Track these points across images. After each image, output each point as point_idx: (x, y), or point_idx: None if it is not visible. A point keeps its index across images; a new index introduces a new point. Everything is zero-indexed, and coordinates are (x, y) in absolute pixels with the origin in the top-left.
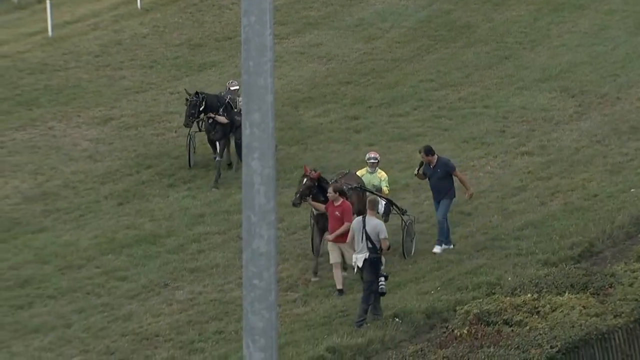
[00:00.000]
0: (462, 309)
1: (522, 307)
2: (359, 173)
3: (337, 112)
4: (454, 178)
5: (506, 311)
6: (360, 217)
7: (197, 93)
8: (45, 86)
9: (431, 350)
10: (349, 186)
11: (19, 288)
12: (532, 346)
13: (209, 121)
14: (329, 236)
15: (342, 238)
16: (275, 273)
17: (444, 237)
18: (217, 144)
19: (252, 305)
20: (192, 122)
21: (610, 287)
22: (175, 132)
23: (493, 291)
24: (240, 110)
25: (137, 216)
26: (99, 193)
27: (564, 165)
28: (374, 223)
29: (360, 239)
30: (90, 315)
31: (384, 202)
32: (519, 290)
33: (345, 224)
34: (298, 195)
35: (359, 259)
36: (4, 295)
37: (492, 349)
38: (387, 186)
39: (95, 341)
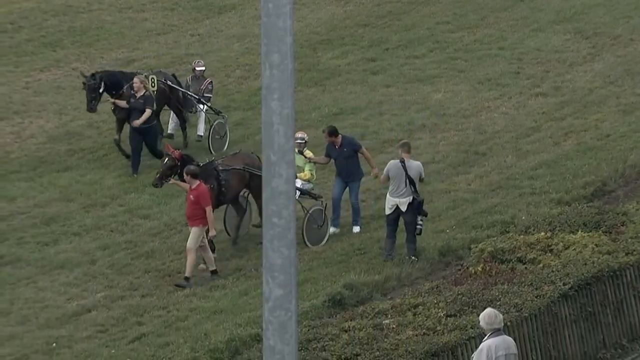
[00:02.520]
0: (476, 247)
1: (535, 245)
2: None
3: (355, 54)
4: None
5: (520, 249)
6: (398, 162)
7: (93, 75)
8: (69, 28)
9: (446, 287)
10: (228, 167)
11: (44, 225)
12: (545, 283)
13: (112, 107)
14: (213, 232)
15: (195, 221)
16: (293, 211)
17: (358, 216)
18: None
19: (272, 243)
20: (95, 106)
21: (622, 225)
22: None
23: (507, 230)
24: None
25: (229, 132)
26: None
27: (578, 106)
28: (414, 165)
29: (404, 183)
30: (114, 252)
31: (298, 185)
32: (532, 228)
33: (207, 211)
34: (158, 175)
35: (402, 203)
36: (30, 232)
37: (505, 286)
38: (310, 170)
39: (119, 277)
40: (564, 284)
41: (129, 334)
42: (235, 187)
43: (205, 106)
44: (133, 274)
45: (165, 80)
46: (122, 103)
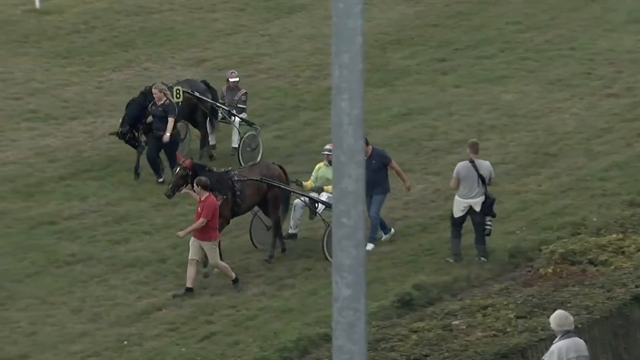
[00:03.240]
0: (547, 248)
1: (607, 247)
2: (318, 165)
3: (424, 54)
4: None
5: (591, 251)
6: (467, 163)
7: (122, 123)
8: (140, 28)
9: (516, 289)
10: (243, 178)
11: (116, 224)
12: (617, 285)
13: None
14: (179, 232)
15: (203, 235)
16: (362, 211)
17: (375, 233)
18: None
19: (340, 243)
20: (140, 141)
21: None
22: (267, 73)
23: (578, 231)
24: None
25: (227, 155)
26: (191, 133)
27: None
28: (485, 165)
29: (476, 183)
30: (184, 251)
31: (324, 198)
32: (603, 230)
33: (200, 220)
34: (171, 186)
35: (475, 203)
36: (101, 230)
37: (576, 288)
38: None
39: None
40: (636, 286)
41: (199, 332)
42: (251, 198)
43: (238, 117)
44: (202, 273)
45: (192, 90)
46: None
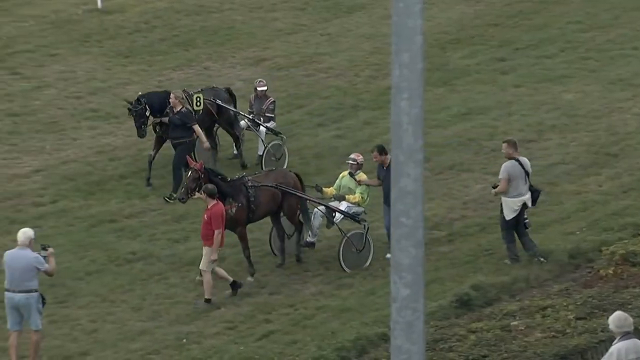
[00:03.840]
0: (607, 249)
1: None
2: (342, 174)
3: (484, 53)
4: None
5: None
6: (513, 162)
7: (138, 100)
8: (201, 27)
9: (576, 290)
10: (257, 184)
11: (175, 222)
12: None
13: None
14: (212, 257)
15: (210, 241)
16: (422, 211)
17: None
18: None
19: (400, 243)
20: (145, 131)
21: None
22: (326, 72)
23: (639, 232)
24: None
25: (287, 154)
26: (250, 132)
27: None
28: (527, 161)
29: (523, 180)
30: (242, 250)
31: (343, 207)
32: None
33: (215, 233)
34: (184, 189)
35: (527, 199)
36: (161, 229)
37: (637, 289)
38: (361, 193)
39: (247, 274)
40: None
41: (257, 331)
42: (265, 205)
43: (263, 126)
44: (260, 272)
45: (214, 99)
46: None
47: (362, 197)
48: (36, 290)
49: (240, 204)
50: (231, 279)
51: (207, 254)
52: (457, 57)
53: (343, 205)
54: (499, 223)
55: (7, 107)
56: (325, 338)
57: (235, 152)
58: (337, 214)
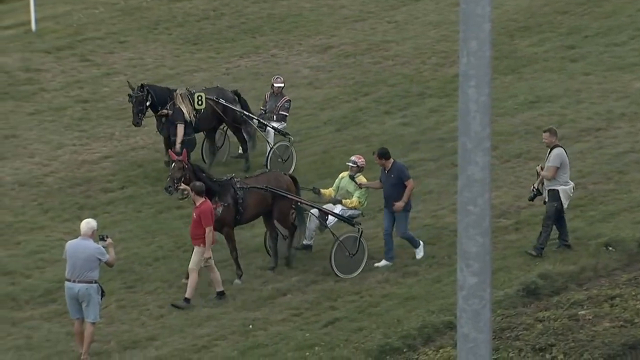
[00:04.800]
0: None
1: None
2: (342, 174)
3: (553, 41)
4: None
5: None
6: (562, 149)
7: (141, 86)
8: (268, 15)
9: None
10: (245, 186)
11: None
12: None
13: (162, 119)
14: (205, 255)
15: (199, 240)
16: (489, 199)
17: (417, 244)
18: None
19: (467, 231)
20: (141, 120)
21: None
22: (392, 60)
23: None
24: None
25: (354, 142)
26: (318, 119)
27: None
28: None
29: (568, 167)
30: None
31: (337, 210)
32: None
33: (207, 230)
34: (169, 179)
35: (572, 186)
36: None
37: None
38: (359, 197)
39: (313, 262)
40: None
41: (323, 318)
42: (254, 208)
43: (270, 127)
44: (327, 259)
45: (218, 98)
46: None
47: (359, 202)
48: (96, 282)
49: (226, 204)
50: (221, 288)
51: (197, 253)
52: (525, 45)
53: (338, 208)
54: (547, 212)
55: (77, 93)
56: (391, 326)
57: (240, 152)
58: (331, 217)
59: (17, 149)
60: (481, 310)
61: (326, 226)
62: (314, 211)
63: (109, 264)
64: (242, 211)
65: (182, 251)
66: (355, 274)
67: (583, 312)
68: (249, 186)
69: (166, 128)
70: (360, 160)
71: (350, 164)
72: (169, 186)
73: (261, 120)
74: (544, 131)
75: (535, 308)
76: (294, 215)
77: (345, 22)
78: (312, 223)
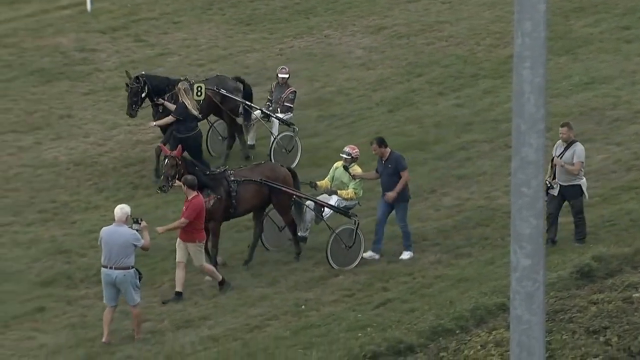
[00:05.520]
0: None
1: None
2: (336, 164)
3: (608, 22)
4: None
5: None
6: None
7: (137, 78)
8: None
9: None
10: (239, 179)
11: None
12: None
13: (159, 109)
14: (158, 228)
15: (187, 235)
16: (543, 181)
17: (409, 240)
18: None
19: (520, 213)
20: (136, 111)
21: None
22: (446, 41)
23: None
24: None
25: (406, 123)
26: (370, 100)
27: None
28: None
29: None
30: (360, 219)
31: (333, 202)
32: None
33: (181, 220)
34: (163, 177)
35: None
36: None
37: None
38: (355, 188)
39: (365, 242)
40: None
41: (375, 299)
42: (249, 201)
43: (274, 117)
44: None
45: (218, 88)
46: (170, 106)
47: (354, 192)
48: (133, 267)
49: (218, 197)
50: (180, 290)
51: (194, 252)
52: (580, 26)
53: (333, 200)
54: (577, 207)
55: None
56: (443, 307)
57: (249, 142)
58: (327, 209)
59: (72, 129)
60: (535, 292)
61: (322, 218)
62: (309, 203)
63: (144, 249)
64: (236, 204)
65: (235, 231)
66: (352, 265)
67: (637, 294)
68: (243, 179)
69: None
70: (354, 152)
71: (345, 155)
72: (163, 185)
73: (264, 110)
74: (562, 125)
75: (589, 290)
76: (292, 208)
77: (399, 2)
78: (307, 214)
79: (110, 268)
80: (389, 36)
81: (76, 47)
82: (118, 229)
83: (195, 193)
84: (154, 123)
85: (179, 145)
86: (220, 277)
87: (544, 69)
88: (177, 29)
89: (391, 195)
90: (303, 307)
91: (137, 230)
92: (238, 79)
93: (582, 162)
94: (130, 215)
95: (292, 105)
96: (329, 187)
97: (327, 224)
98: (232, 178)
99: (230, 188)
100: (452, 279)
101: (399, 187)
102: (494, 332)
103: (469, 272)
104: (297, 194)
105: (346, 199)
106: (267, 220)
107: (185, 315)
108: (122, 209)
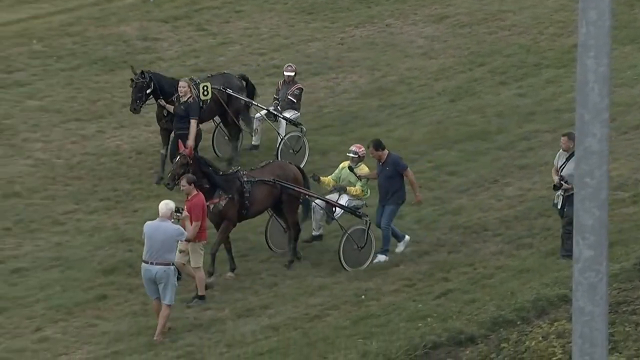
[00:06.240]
0: None
1: None
2: (342, 164)
3: None
4: (405, 180)
5: None
6: None
7: (142, 73)
8: None
9: None
10: (253, 179)
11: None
12: None
13: (164, 111)
14: (181, 246)
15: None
16: (606, 171)
17: (387, 245)
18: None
19: (583, 203)
20: (140, 107)
21: None
22: (509, 30)
23: None
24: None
25: (468, 112)
26: (432, 89)
27: None
28: None
29: None
30: (422, 209)
31: (343, 201)
32: None
33: (193, 224)
34: (170, 175)
35: None
36: None
37: None
38: (362, 186)
39: (426, 233)
40: None
41: (435, 289)
42: (262, 201)
43: (281, 117)
44: (440, 230)
45: (224, 87)
46: (169, 107)
47: (362, 190)
48: (173, 264)
49: (230, 197)
50: (203, 292)
51: (192, 252)
52: None
53: (343, 199)
54: (569, 218)
55: (193, 62)
56: (505, 298)
57: (254, 143)
58: (338, 209)
59: (134, 118)
60: (597, 283)
61: (334, 218)
62: (319, 202)
63: (188, 240)
64: (249, 205)
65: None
66: (364, 266)
67: None
68: (256, 179)
69: (168, 120)
70: (361, 150)
71: (351, 154)
72: (169, 183)
73: (270, 110)
74: (563, 135)
75: None
76: (299, 209)
77: None
78: (317, 214)
79: (151, 264)
80: (451, 25)
81: (139, 36)
82: (162, 224)
83: (195, 191)
84: (191, 139)
85: (190, 145)
86: (204, 292)
87: (609, 58)
88: (238, 18)
89: (420, 197)
90: (363, 296)
91: (180, 219)
92: (242, 77)
93: None
94: (174, 210)
95: (295, 101)
96: (332, 185)
97: (339, 224)
98: (245, 179)
99: (244, 189)
100: (513, 269)
101: (417, 188)
102: (555, 324)
103: (531, 263)
104: (309, 193)
105: (355, 196)
106: (273, 221)
107: (245, 304)
108: (166, 205)
